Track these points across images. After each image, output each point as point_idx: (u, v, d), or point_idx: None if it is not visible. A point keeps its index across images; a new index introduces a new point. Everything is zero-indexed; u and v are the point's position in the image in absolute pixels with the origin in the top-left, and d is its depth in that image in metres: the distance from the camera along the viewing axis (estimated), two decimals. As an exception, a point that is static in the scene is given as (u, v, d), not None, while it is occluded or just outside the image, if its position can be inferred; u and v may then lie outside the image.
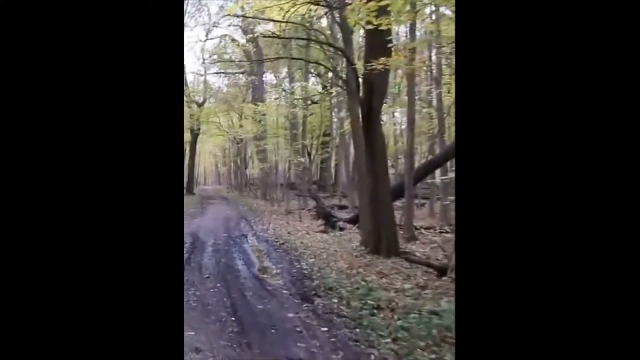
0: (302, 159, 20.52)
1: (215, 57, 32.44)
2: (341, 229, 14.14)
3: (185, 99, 33.59)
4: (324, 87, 23.63)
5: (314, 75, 24.81)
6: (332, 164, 31.51)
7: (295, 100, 23.41)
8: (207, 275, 8.06)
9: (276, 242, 11.92)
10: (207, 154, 54.97)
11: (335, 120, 27.66)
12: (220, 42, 32.40)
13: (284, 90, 25.14)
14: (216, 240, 12.08)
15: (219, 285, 7.37)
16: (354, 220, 14.92)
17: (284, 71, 28.34)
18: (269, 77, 30.94)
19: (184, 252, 10.25)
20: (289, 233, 13.60)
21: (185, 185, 38.96)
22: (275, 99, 25.11)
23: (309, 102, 23.67)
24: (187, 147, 38.63)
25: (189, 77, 33.23)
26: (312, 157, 21.44)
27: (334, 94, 20.68)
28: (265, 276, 8.10)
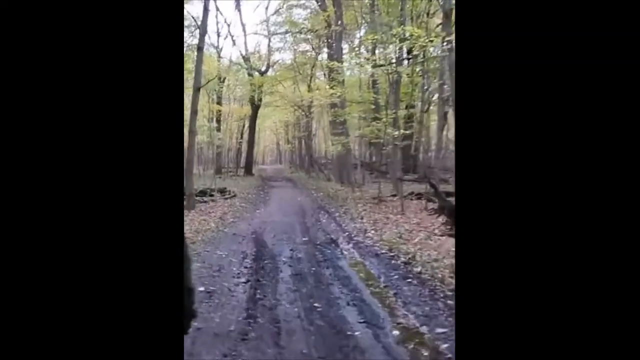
0: (396, 133, 15.62)
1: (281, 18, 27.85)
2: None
3: (245, 65, 29.41)
4: (410, 52, 18.67)
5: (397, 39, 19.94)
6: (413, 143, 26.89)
7: (380, 64, 18.69)
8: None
9: (392, 257, 7.16)
10: (268, 131, 51.12)
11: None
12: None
13: (367, 51, 20.13)
14: (294, 252, 7.44)
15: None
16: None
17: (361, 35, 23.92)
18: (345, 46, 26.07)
19: (241, 276, 6.05)
20: (401, 237, 8.83)
21: (243, 165, 35.37)
22: (356, 63, 20.23)
23: (394, 66, 18.91)
24: (246, 123, 34.71)
25: (250, 39, 28.74)
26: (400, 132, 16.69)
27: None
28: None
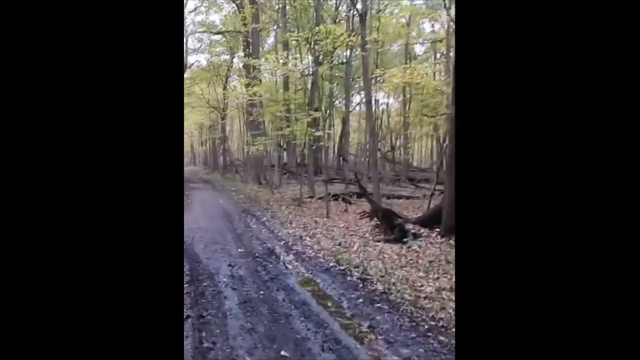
0: (320, 133, 14.51)
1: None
2: (415, 236, 8.36)
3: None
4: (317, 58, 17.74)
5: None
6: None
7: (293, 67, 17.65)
8: None
9: (343, 271, 6.02)
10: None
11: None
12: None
13: (285, 50, 18.89)
14: (234, 269, 6.09)
15: None
16: (430, 221, 9.25)
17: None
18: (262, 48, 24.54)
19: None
20: (340, 245, 7.74)
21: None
22: (274, 60, 18.95)
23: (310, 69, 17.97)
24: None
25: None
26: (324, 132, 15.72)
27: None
28: None
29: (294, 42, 18.43)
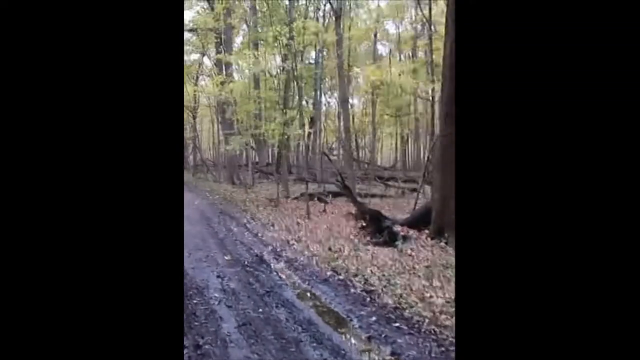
0: (299, 131, 13.92)
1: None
2: (405, 239, 7.85)
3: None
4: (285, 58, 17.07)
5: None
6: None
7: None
8: None
9: (343, 282, 5.41)
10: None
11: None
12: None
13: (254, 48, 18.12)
14: (224, 281, 5.40)
15: None
16: (418, 222, 8.74)
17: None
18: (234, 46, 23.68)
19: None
20: (330, 249, 7.14)
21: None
22: (248, 53, 18.01)
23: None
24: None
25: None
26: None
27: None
28: None
29: (266, 40, 17.69)
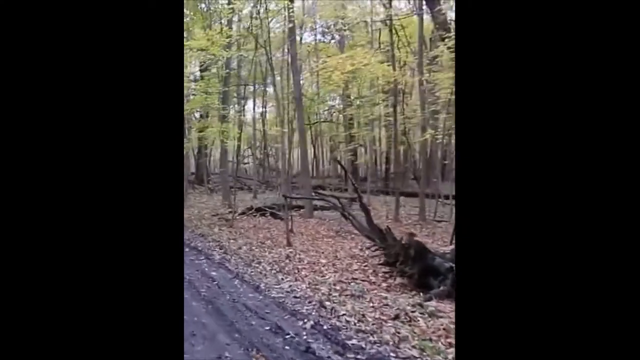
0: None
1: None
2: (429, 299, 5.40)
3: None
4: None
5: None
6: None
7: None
8: None
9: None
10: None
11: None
12: None
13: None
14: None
15: None
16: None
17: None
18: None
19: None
20: (330, 294, 5.74)
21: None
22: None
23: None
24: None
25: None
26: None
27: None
28: None
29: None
